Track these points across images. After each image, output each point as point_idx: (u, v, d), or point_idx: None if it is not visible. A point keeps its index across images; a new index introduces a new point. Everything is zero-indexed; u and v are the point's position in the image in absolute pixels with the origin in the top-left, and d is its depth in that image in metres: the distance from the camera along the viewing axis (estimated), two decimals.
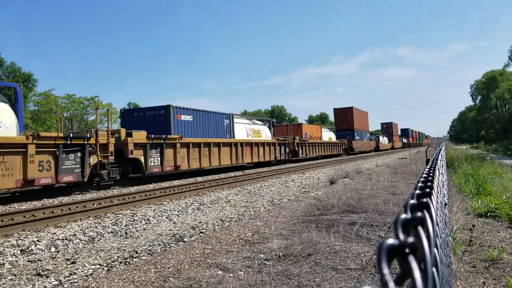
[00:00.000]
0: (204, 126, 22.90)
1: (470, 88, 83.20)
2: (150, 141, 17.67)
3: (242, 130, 27.42)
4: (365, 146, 59.73)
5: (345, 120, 55.46)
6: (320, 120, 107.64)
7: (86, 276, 5.18)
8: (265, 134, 30.83)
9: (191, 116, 21.81)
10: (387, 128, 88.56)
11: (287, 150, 32.78)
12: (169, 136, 18.93)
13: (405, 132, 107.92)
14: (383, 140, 75.42)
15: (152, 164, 17.92)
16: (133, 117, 21.53)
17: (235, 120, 27.09)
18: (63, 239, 7.16)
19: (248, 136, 27.64)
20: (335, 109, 57.47)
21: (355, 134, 54.27)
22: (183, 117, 21.06)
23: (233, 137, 25.61)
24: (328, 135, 46.03)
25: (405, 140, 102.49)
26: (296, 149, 34.40)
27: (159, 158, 18.29)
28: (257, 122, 31.82)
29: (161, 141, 18.34)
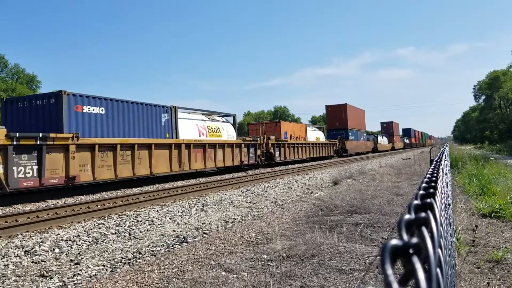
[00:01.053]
0: (126, 122, 17.14)
1: (473, 88, 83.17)
2: (14, 142, 12.13)
3: (192, 128, 21.71)
4: (361, 147, 55.52)
5: (338, 119, 50.86)
6: (323, 120, 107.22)
7: (90, 277, 5.19)
8: (227, 133, 25.03)
9: (103, 108, 16.05)
10: (387, 128, 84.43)
11: (259, 152, 27.34)
12: (53, 135, 13.33)
13: (407, 132, 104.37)
14: (382, 140, 71.81)
15: (21, 176, 12.35)
16: (17, 108, 15.60)
17: (182, 115, 21.44)
18: (67, 240, 7.18)
19: (200, 136, 21.97)
20: (327, 106, 52.79)
21: (349, 133, 50.04)
22: (87, 109, 15.40)
23: (176, 137, 19.88)
24: (315, 135, 41.30)
25: (407, 141, 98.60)
26: (272, 151, 29.39)
27: (35, 167, 12.75)
28: (216, 118, 25.76)
29: (38, 142, 12.79)
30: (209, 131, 23.13)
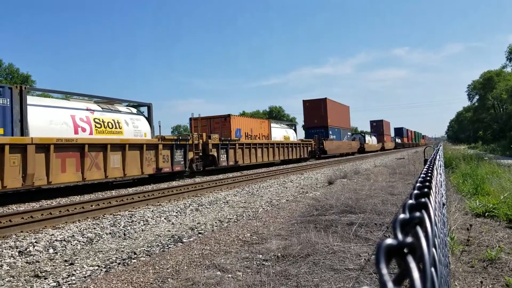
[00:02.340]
0: None
1: (467, 88, 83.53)
2: None
3: (62, 121, 14.46)
4: (344, 148, 49.05)
5: (317, 115, 44.33)
6: None
7: (85, 277, 5.17)
8: (135, 129, 17.61)
9: None
10: (377, 127, 79.06)
11: (191, 155, 20.60)
12: None
13: (399, 132, 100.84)
14: (371, 140, 66.55)
15: None
16: None
17: (41, 101, 14.94)
18: (61, 241, 7.15)
19: (83, 132, 15.04)
20: (304, 101, 46.00)
21: (330, 132, 44.30)
22: None
23: (22, 134, 12.89)
24: (282, 133, 34.60)
25: (398, 140, 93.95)
26: (214, 154, 22.95)
27: None
28: (119, 109, 17.87)
29: None
30: (99, 126, 15.98)
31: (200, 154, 21.59)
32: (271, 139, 31.35)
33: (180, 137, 20.36)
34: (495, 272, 4.56)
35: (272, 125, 33.24)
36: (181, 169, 19.94)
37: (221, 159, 23.68)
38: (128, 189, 16.23)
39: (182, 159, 19.99)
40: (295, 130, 38.87)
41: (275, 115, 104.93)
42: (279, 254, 5.52)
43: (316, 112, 44.62)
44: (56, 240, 7.22)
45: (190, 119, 25.96)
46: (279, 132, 34.11)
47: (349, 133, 55.63)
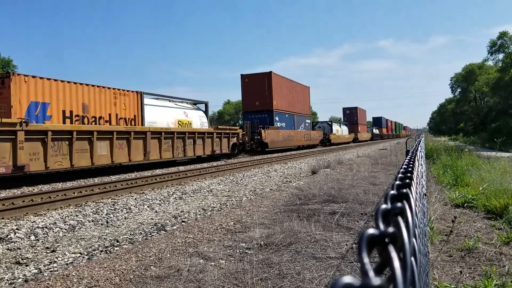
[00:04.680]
0: None
1: (450, 80, 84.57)
2: None
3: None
4: (298, 139, 39.27)
5: (258, 95, 33.73)
6: None
7: (67, 264, 5.14)
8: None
9: None
10: (350, 115, 68.96)
11: None
12: None
13: (377, 121, 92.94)
14: (340, 130, 56.85)
15: None
16: None
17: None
18: (43, 228, 7.08)
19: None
20: (243, 76, 34.75)
21: (276, 118, 34.33)
22: None
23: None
24: (176, 117, 22.25)
25: (376, 131, 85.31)
26: None
27: None
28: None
29: None
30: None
31: None
32: (142, 123, 19.40)
33: None
34: (472, 262, 4.66)
35: (147, 100, 20.51)
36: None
37: None
38: (111, 176, 16.11)
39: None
40: (206, 112, 26.05)
41: None
42: (262, 243, 5.56)
43: (258, 92, 33.84)
44: (37, 227, 7.15)
45: None
46: (166, 114, 21.56)
47: (308, 121, 44.53)
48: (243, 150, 29.73)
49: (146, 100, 20.42)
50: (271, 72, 34.25)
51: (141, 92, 19.73)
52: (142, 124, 19.52)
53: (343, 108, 72.35)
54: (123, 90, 18.61)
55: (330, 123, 54.95)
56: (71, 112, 15.72)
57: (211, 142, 24.31)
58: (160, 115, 21.06)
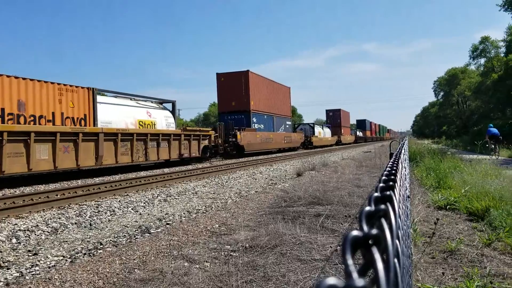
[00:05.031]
0: None
1: (433, 84, 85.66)
2: None
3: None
4: (277, 141, 37.52)
5: (235, 95, 32.10)
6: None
7: (49, 267, 5.07)
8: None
9: None
10: (334, 117, 67.63)
11: None
12: None
13: (361, 124, 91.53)
14: (322, 132, 55.52)
15: None
16: None
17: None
18: (25, 230, 6.98)
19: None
20: (218, 75, 32.89)
21: (253, 119, 32.62)
22: None
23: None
24: (137, 116, 20.04)
25: (360, 133, 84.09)
26: None
27: None
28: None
29: None
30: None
31: None
32: (94, 124, 17.24)
33: None
34: (454, 263, 4.72)
35: (102, 98, 18.86)
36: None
37: None
38: (95, 178, 15.94)
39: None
40: (173, 112, 23.51)
41: None
42: (247, 245, 5.55)
43: (234, 91, 32.16)
44: (19, 229, 7.04)
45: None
46: (125, 114, 19.19)
47: (289, 122, 43.07)
48: (216, 153, 27.29)
49: (101, 98, 18.50)
50: (248, 70, 32.18)
51: (93, 88, 17.36)
52: (95, 124, 17.14)
53: (326, 110, 70.39)
54: (70, 85, 16.26)
55: (312, 125, 53.31)
56: (2, 110, 13.42)
57: (178, 144, 21.96)
58: (117, 115, 18.63)
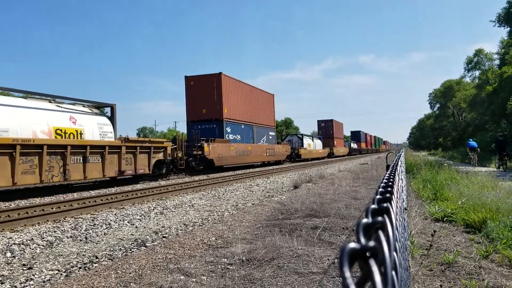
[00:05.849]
0: None
1: (429, 96, 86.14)
2: None
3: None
4: (258, 154, 33.49)
5: (206, 101, 28.54)
6: (284, 125, 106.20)
7: (44, 282, 5.01)
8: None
9: None
10: (326, 128, 64.27)
11: None
12: None
13: (356, 135, 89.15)
14: (313, 144, 52.07)
15: None
16: None
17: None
18: (19, 244, 6.91)
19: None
20: (188, 79, 29.26)
21: (227, 129, 29.07)
22: None
23: None
24: (53, 123, 15.27)
25: (354, 145, 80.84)
26: None
27: None
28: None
29: None
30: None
31: None
32: None
33: None
34: (452, 276, 4.70)
35: (2, 99, 14.23)
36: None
37: None
38: (90, 191, 15.85)
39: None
40: (111, 118, 18.74)
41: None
42: (244, 258, 5.51)
43: (205, 97, 28.53)
44: (14, 243, 6.98)
45: None
46: (33, 120, 14.56)
47: (272, 133, 39.36)
48: (175, 168, 22.57)
49: (2, 99, 14.27)
50: (220, 73, 28.64)
51: None
52: None
53: (318, 121, 66.71)
54: None
55: (300, 136, 50.09)
56: None
57: (118, 159, 17.54)
58: (18, 120, 13.98)
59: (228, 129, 29.41)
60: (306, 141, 49.71)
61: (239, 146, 30.09)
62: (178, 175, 23.48)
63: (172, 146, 21.87)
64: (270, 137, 38.71)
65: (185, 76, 29.39)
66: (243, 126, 32.12)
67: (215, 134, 27.97)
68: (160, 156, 20.74)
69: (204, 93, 28.65)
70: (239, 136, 31.09)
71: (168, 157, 21.31)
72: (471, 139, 29.13)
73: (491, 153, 25.59)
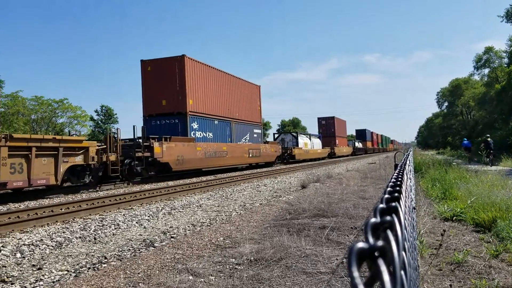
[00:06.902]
0: None
1: (437, 95, 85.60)
2: None
3: None
4: (236, 155, 27.91)
5: (166, 92, 23.45)
6: (292, 125, 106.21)
7: (53, 282, 5.05)
8: None
9: None
10: (326, 126, 59.30)
11: None
12: None
13: (361, 134, 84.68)
14: (310, 143, 47.36)
15: None
16: None
17: None
18: (29, 245, 6.97)
19: None
20: (144, 63, 23.98)
21: (192, 124, 23.87)
22: None
23: None
24: None
25: (359, 144, 76.09)
26: None
27: None
28: None
29: None
30: None
31: None
32: None
33: None
34: (462, 275, 4.67)
35: None
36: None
37: None
38: (99, 192, 15.94)
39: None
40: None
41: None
42: (252, 258, 5.52)
43: (166, 86, 23.44)
44: (24, 244, 7.03)
45: None
46: None
47: (258, 131, 33.89)
48: (105, 176, 17.18)
49: None
50: (184, 55, 23.38)
51: None
52: None
53: (318, 118, 60.94)
54: None
55: (295, 134, 44.97)
56: None
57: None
58: None
59: (195, 125, 24.15)
60: (302, 140, 44.99)
61: (210, 146, 24.80)
62: (115, 183, 18.42)
63: (99, 146, 16.73)
64: (255, 135, 33.07)
65: (141, 60, 24.15)
66: (216, 122, 26.78)
67: (177, 131, 23.09)
68: (78, 160, 15.45)
69: (163, 81, 23.48)
70: (210, 134, 25.94)
71: (93, 161, 16.03)
72: (465, 139, 34.08)
73: (490, 152, 26.45)
